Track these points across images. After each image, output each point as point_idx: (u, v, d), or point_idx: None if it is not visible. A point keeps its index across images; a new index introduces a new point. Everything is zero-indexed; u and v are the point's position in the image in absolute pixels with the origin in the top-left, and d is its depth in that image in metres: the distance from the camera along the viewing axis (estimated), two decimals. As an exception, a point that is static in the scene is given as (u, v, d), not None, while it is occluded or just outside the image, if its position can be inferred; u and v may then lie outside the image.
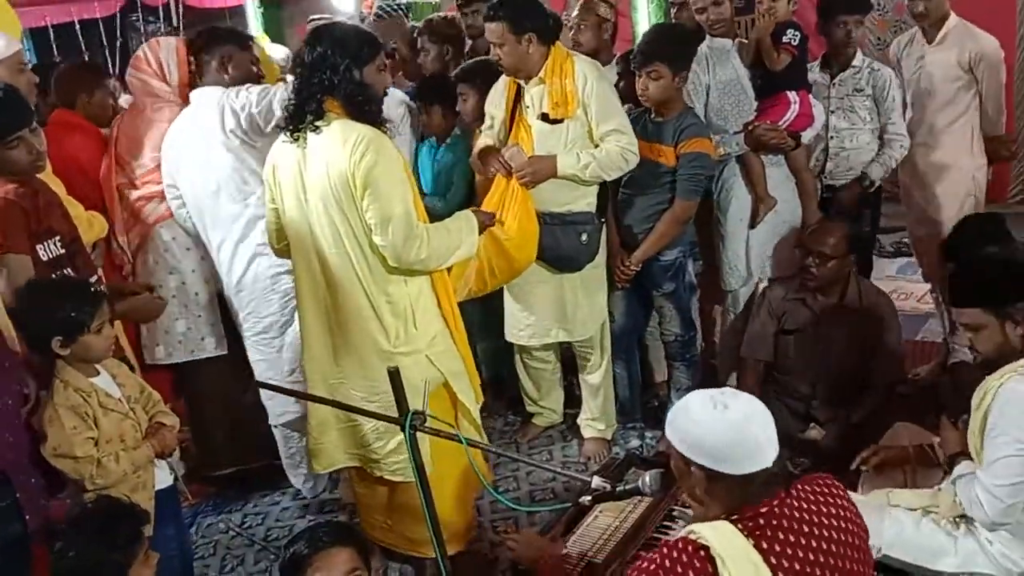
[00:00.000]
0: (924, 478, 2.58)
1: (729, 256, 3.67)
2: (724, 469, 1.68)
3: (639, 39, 3.89)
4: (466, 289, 3.14)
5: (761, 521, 1.68)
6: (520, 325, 3.49)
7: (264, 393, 3.36)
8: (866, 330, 3.24)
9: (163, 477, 2.60)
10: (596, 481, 2.05)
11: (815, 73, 3.77)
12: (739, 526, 1.67)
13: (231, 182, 3.14)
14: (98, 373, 2.50)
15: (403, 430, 2.01)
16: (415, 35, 4.13)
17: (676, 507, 2.42)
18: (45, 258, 2.58)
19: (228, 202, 3.16)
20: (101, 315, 2.43)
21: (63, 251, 2.66)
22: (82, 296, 2.42)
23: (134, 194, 3.33)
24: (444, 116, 3.66)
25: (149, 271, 3.34)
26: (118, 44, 6.42)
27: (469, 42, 4.22)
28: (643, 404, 3.86)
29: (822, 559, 1.68)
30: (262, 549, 3.32)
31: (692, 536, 1.68)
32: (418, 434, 2.08)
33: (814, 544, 1.68)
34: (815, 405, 3.32)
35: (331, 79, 2.50)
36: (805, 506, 1.72)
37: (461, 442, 2.09)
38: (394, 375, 2.00)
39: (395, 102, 3.58)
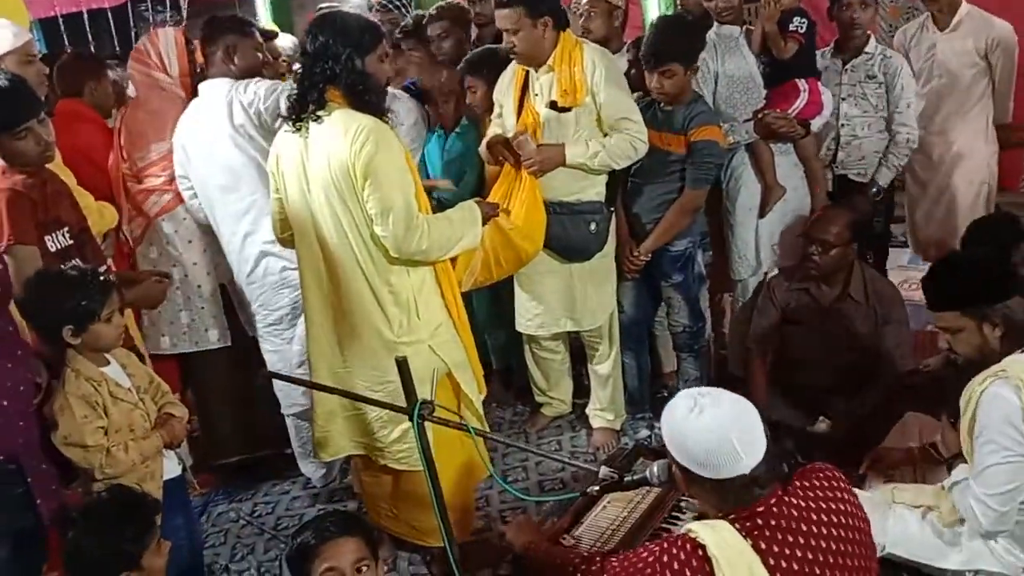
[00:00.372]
0: (931, 475, 2.57)
1: (738, 245, 3.65)
2: (700, 472, 1.70)
3: (648, 30, 3.86)
4: (472, 279, 3.14)
5: (759, 521, 1.68)
6: (529, 315, 3.49)
7: (276, 383, 3.37)
8: (871, 320, 3.22)
9: (171, 467, 2.61)
10: (604, 471, 2.06)
11: (827, 59, 3.74)
12: (737, 526, 1.68)
13: (239, 176, 3.14)
14: (108, 363, 2.51)
15: (411, 419, 2.01)
16: (425, 23, 4.10)
17: (684, 498, 2.41)
18: (53, 249, 2.60)
19: (236, 196, 3.17)
20: (111, 304, 2.44)
21: (71, 242, 2.67)
22: (92, 285, 2.42)
23: (136, 187, 3.34)
24: (452, 106, 3.65)
25: (152, 263, 3.36)
26: (134, 33, 6.41)
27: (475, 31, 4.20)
28: (652, 394, 3.85)
29: (822, 557, 1.68)
30: (272, 538, 3.34)
31: (691, 534, 1.68)
32: (425, 425, 2.08)
33: (813, 542, 1.68)
34: (823, 397, 3.30)
35: (333, 68, 2.49)
36: (804, 503, 1.72)
37: (469, 432, 2.10)
38: (402, 365, 2.00)
39: (404, 108, 3.57)
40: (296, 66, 3.09)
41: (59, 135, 2.85)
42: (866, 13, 3.60)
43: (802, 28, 3.39)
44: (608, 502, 2.49)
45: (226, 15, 3.41)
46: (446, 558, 2.11)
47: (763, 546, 1.64)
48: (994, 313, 2.19)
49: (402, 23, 4.30)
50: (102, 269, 2.75)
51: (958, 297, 2.25)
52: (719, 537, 1.66)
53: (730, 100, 3.46)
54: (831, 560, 1.68)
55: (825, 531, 1.70)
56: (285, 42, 4.54)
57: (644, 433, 3.72)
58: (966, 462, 2.27)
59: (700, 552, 1.65)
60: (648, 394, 3.84)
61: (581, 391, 3.88)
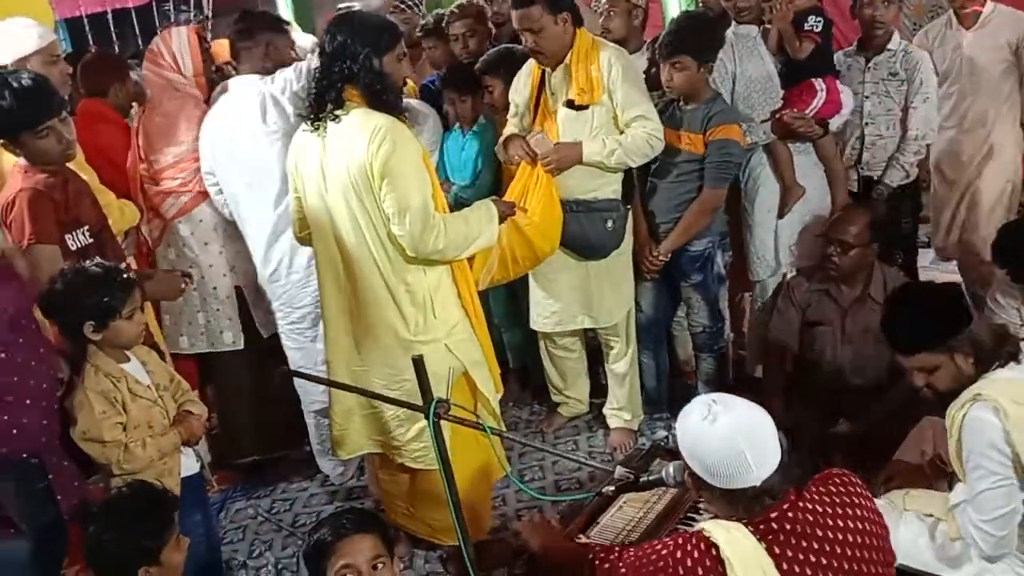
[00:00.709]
0: (942, 483, 2.54)
1: (757, 246, 3.63)
2: (711, 481, 1.70)
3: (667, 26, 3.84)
4: (489, 277, 3.14)
5: (774, 525, 1.67)
6: (545, 312, 3.49)
7: (297, 381, 3.39)
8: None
9: (189, 464, 2.63)
10: (619, 471, 2.06)
11: (850, 58, 3.70)
12: (751, 528, 1.67)
13: (269, 175, 3.13)
14: (128, 359, 2.53)
15: (427, 418, 2.02)
16: (445, 23, 4.10)
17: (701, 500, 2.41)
18: (74, 247, 2.63)
19: (264, 194, 3.16)
20: (133, 301, 2.47)
21: (91, 240, 2.70)
22: (114, 282, 2.45)
23: (153, 188, 3.35)
24: (470, 104, 3.65)
25: (170, 265, 3.38)
26: (158, 32, 6.48)
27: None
28: (670, 394, 3.84)
29: (836, 563, 1.67)
30: (290, 535, 3.36)
31: (705, 533, 1.68)
32: (441, 423, 2.09)
33: (828, 548, 1.67)
34: (842, 398, 3.27)
35: (351, 68, 2.50)
36: (820, 508, 1.71)
37: (485, 431, 2.10)
38: (418, 363, 2.01)
39: (421, 117, 3.59)
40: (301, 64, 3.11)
41: (81, 134, 2.89)
42: (889, 11, 3.55)
43: (818, 27, 3.35)
44: (624, 502, 2.48)
45: (262, 11, 3.42)
46: (461, 557, 2.11)
47: (777, 551, 1.64)
48: (961, 342, 2.18)
49: (422, 22, 4.31)
50: (122, 267, 2.78)
51: (924, 337, 2.23)
52: (732, 538, 1.65)
53: (748, 100, 3.44)
54: (846, 567, 1.67)
55: (841, 537, 1.69)
56: (305, 42, 4.56)
57: (661, 433, 3.71)
58: (959, 486, 2.25)
59: (714, 552, 1.65)
60: (666, 394, 3.82)
61: (599, 391, 3.87)
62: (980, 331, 2.20)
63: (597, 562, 1.89)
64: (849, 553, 1.68)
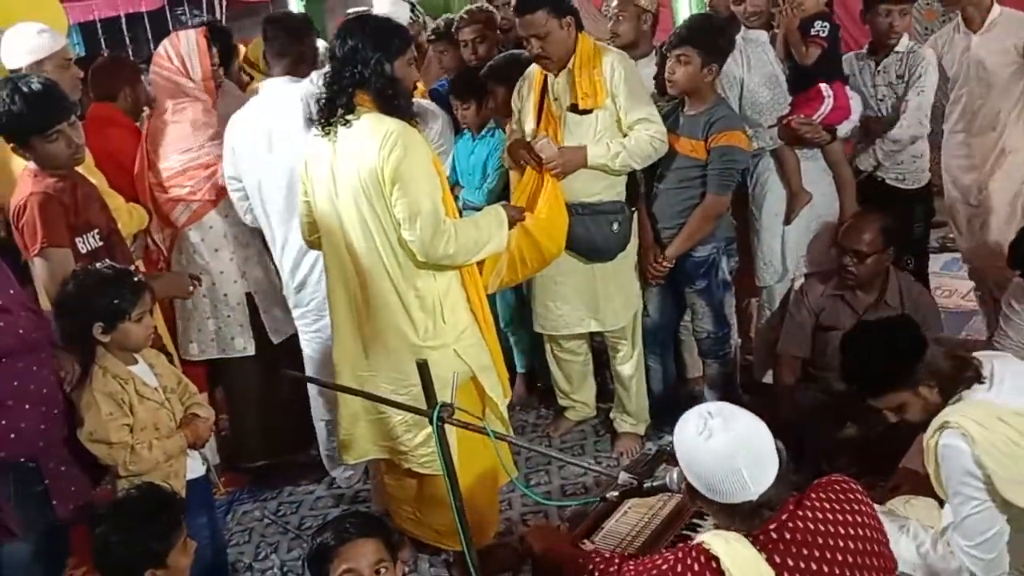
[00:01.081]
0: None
1: (764, 252, 3.61)
2: (708, 496, 1.70)
3: (678, 27, 3.84)
4: (498, 280, 3.15)
5: (773, 535, 1.67)
6: (551, 315, 3.48)
7: (312, 389, 3.38)
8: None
9: (195, 467, 2.65)
10: (623, 476, 2.05)
11: (861, 61, 3.69)
12: (750, 539, 1.67)
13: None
14: (136, 362, 2.55)
15: (431, 422, 2.02)
16: (454, 29, 4.12)
17: (705, 506, 2.40)
18: (84, 251, 2.65)
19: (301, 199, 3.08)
20: (142, 304, 2.49)
21: (101, 244, 2.73)
22: (125, 284, 2.48)
23: (162, 197, 3.35)
24: (478, 110, 3.66)
25: (182, 271, 3.35)
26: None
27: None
28: (678, 400, 3.82)
29: (837, 572, 1.66)
30: (296, 537, 3.37)
31: (704, 545, 1.67)
32: (446, 427, 2.09)
33: (829, 555, 1.66)
34: (851, 402, 3.25)
35: (362, 73, 2.50)
36: (820, 516, 1.70)
37: (488, 435, 2.10)
38: (423, 367, 2.01)
39: (431, 116, 3.58)
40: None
41: (91, 138, 2.91)
42: (903, 20, 3.54)
43: (824, 32, 3.33)
44: (629, 508, 2.48)
45: (292, 13, 3.37)
46: (465, 561, 2.11)
47: (777, 560, 1.63)
48: (922, 374, 2.18)
49: (432, 25, 4.32)
50: (132, 270, 2.80)
51: (885, 377, 2.23)
52: (732, 550, 1.65)
53: (755, 105, 3.43)
54: (848, 574, 1.66)
55: (842, 544, 1.68)
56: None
57: (668, 439, 3.68)
58: (948, 507, 2.24)
59: (714, 564, 1.65)
60: (674, 399, 3.81)
61: (606, 396, 3.86)
62: (937, 360, 2.20)
63: (597, 574, 1.89)
64: (850, 560, 1.68)
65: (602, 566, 1.93)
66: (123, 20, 6.38)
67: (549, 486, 3.50)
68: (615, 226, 3.26)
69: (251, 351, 3.48)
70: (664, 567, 1.70)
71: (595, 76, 3.12)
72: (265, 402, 3.57)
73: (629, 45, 3.57)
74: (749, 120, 3.41)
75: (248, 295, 3.45)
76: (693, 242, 3.33)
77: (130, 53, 6.13)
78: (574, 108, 3.17)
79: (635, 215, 3.40)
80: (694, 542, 1.73)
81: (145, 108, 3.63)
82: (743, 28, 3.49)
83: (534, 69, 3.27)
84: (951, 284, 4.87)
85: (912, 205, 3.74)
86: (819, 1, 3.43)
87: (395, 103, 2.54)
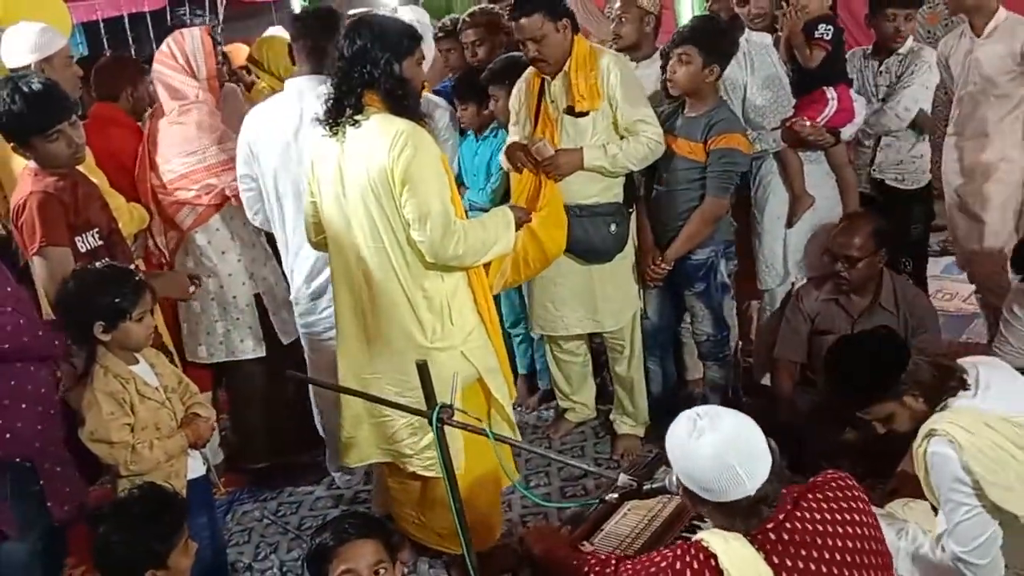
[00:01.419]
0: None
1: (766, 255, 3.61)
2: (704, 496, 1.71)
3: (680, 28, 3.84)
4: (503, 280, 3.15)
5: (772, 535, 1.67)
6: (549, 316, 3.48)
7: (319, 398, 3.34)
8: (902, 329, 3.16)
9: (196, 467, 2.65)
10: (622, 478, 2.05)
11: (865, 59, 3.69)
12: (749, 538, 1.67)
13: None
14: (137, 361, 2.56)
15: (431, 423, 2.02)
16: (457, 30, 4.12)
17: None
18: (83, 250, 2.65)
19: None
20: (143, 304, 2.49)
21: (101, 243, 2.73)
22: (126, 284, 2.48)
23: (167, 200, 3.32)
24: (477, 111, 3.67)
25: (180, 272, 3.32)
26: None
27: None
28: (678, 402, 3.82)
29: (836, 571, 1.66)
30: (295, 538, 3.36)
31: (703, 543, 1.67)
32: (452, 430, 2.09)
33: (827, 555, 1.67)
34: (850, 406, 3.25)
35: (371, 73, 2.48)
36: (818, 516, 1.70)
37: (489, 437, 2.10)
38: (423, 368, 2.01)
39: (438, 111, 3.57)
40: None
41: (92, 138, 2.91)
42: (909, 24, 3.56)
43: (828, 35, 3.32)
44: (628, 510, 2.47)
45: (327, 9, 3.20)
46: (465, 563, 2.11)
47: (775, 560, 1.64)
48: (905, 384, 2.20)
49: (438, 24, 4.33)
50: (133, 269, 2.80)
51: (869, 389, 2.26)
52: (731, 548, 1.65)
53: (759, 108, 3.42)
54: (846, 573, 1.66)
55: (839, 543, 1.69)
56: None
57: (669, 441, 3.69)
58: (941, 515, 2.24)
59: (712, 563, 1.65)
60: (674, 401, 3.81)
61: (606, 397, 3.87)
62: (921, 370, 2.22)
63: (593, 574, 1.89)
64: (848, 559, 1.68)
65: (598, 568, 1.93)
66: (126, 20, 6.38)
67: (549, 487, 3.50)
68: (613, 228, 3.27)
69: (261, 352, 3.46)
70: (663, 564, 1.70)
71: (591, 78, 3.12)
72: (270, 403, 3.56)
73: (631, 47, 3.58)
74: (752, 123, 3.41)
75: (256, 296, 3.43)
76: (692, 244, 3.33)
77: (133, 53, 6.13)
78: (571, 110, 3.17)
79: (632, 216, 3.40)
80: (693, 540, 1.73)
81: (149, 109, 3.63)
82: (747, 30, 3.48)
83: (531, 72, 3.28)
84: (952, 287, 4.87)
85: (910, 206, 3.75)
86: (823, 4, 3.43)
87: (404, 103, 2.53)
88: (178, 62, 3.27)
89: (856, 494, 1.79)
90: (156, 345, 2.77)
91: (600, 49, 3.25)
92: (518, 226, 2.85)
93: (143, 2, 6.39)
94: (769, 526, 1.67)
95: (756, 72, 3.42)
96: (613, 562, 1.91)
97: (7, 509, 2.37)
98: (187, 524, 2.18)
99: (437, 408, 2.02)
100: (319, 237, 2.78)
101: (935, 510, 2.28)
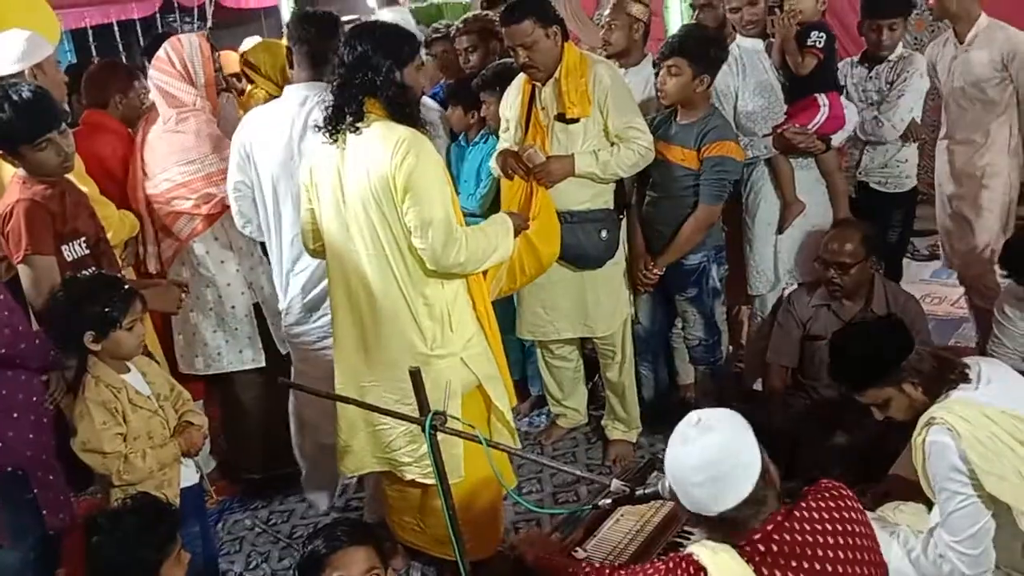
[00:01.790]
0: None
1: (757, 260, 3.62)
2: (685, 504, 1.72)
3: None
4: (498, 288, 3.15)
5: (761, 547, 1.66)
6: (540, 321, 3.48)
7: (303, 415, 3.30)
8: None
9: (189, 475, 2.64)
10: (615, 484, 2.04)
11: (855, 67, 3.72)
12: (738, 550, 1.67)
13: None
14: (129, 370, 2.55)
15: (424, 430, 2.01)
16: (452, 35, 4.13)
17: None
18: (70, 258, 2.63)
19: None
20: (133, 312, 2.48)
21: (88, 252, 2.70)
22: (115, 293, 2.47)
23: (163, 209, 3.27)
24: (463, 114, 3.67)
25: (170, 285, 3.23)
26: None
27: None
28: (670, 407, 3.83)
29: None
30: (287, 546, 3.35)
31: (694, 557, 1.68)
32: (452, 437, 2.08)
33: (818, 567, 1.66)
34: (842, 410, 3.26)
35: (373, 80, 2.47)
36: (808, 527, 1.69)
37: (482, 443, 2.09)
38: (415, 376, 2.00)
39: (431, 114, 3.58)
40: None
41: (82, 145, 2.88)
42: (894, 34, 3.59)
43: (820, 43, 3.35)
44: (621, 515, 2.48)
45: (327, 12, 3.06)
46: (457, 570, 2.10)
47: (765, 572, 1.63)
48: (906, 372, 2.23)
49: (427, 29, 4.34)
50: (122, 277, 2.79)
51: (869, 372, 2.28)
52: (720, 561, 1.65)
53: (750, 114, 3.44)
54: None
55: (832, 554, 1.68)
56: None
57: (661, 446, 3.69)
58: (936, 509, 2.26)
59: (702, 575, 1.64)
60: (665, 406, 3.82)
61: (598, 403, 3.87)
62: (923, 360, 2.25)
63: None
64: (842, 570, 1.67)
65: None
66: (115, 27, 6.36)
67: (541, 494, 3.50)
68: (603, 234, 3.28)
69: (261, 362, 3.42)
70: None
71: (582, 85, 3.13)
72: (268, 414, 3.51)
73: (621, 53, 3.60)
74: (744, 129, 3.43)
75: (255, 306, 3.39)
76: (684, 251, 3.34)
77: (123, 60, 6.11)
78: (561, 117, 3.18)
79: (623, 222, 3.41)
80: (684, 552, 1.73)
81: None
82: (738, 37, 3.51)
83: (522, 78, 3.28)
84: (941, 291, 4.90)
85: (890, 210, 3.78)
86: (816, 10, 3.45)
87: (406, 110, 2.52)
88: (176, 69, 3.21)
89: (851, 504, 1.78)
90: (144, 354, 2.75)
91: (590, 56, 3.26)
92: (516, 233, 2.85)
93: (132, 9, 6.37)
94: (758, 537, 1.66)
95: (748, 78, 3.44)
96: (607, 572, 1.91)
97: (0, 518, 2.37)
98: (180, 534, 2.17)
99: (430, 415, 2.01)
100: (316, 244, 2.76)
101: (930, 506, 2.29)
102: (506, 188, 3.29)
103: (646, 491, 2.01)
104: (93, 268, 2.61)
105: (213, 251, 3.32)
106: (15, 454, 2.34)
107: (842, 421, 3.25)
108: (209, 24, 6.77)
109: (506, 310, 3.88)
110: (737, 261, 3.68)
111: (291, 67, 3.05)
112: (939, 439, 2.12)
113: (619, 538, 2.40)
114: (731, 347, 4.01)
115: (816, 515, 1.72)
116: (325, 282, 2.95)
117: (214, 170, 3.23)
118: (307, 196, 2.70)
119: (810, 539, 1.68)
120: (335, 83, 2.54)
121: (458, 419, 2.14)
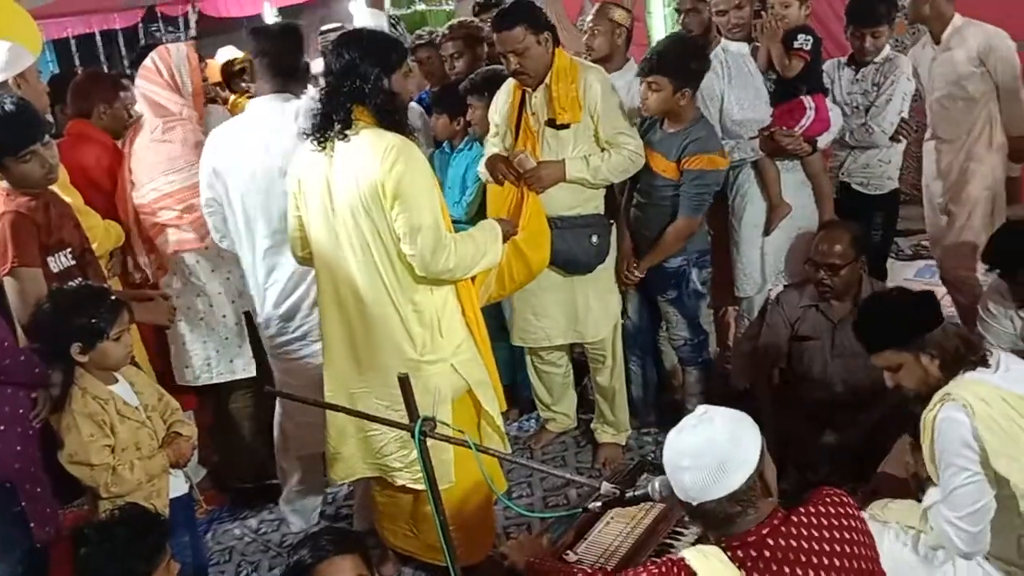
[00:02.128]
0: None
1: (743, 262, 3.64)
2: (677, 493, 1.72)
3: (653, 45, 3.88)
4: (487, 295, 3.14)
5: (753, 552, 1.65)
6: (531, 327, 3.49)
7: (300, 423, 3.24)
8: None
9: (178, 485, 2.63)
10: (605, 487, 2.05)
11: (841, 69, 3.75)
12: (729, 554, 1.67)
13: None
14: (116, 381, 2.53)
15: (413, 437, 2.02)
16: (438, 42, 4.14)
17: (687, 513, 2.41)
18: (56, 270, 2.62)
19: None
20: (120, 323, 2.47)
21: (73, 262, 2.69)
22: (102, 303, 2.45)
23: (149, 220, 3.25)
24: (449, 121, 3.68)
25: (176, 295, 3.28)
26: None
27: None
28: (658, 408, 3.85)
29: None
30: (277, 555, 3.34)
31: (685, 562, 1.68)
32: (442, 443, 2.08)
33: (811, 573, 1.64)
34: (831, 410, 3.28)
35: (361, 87, 2.47)
36: (806, 532, 1.68)
37: (471, 448, 2.10)
38: (404, 382, 2.00)
39: (414, 115, 3.59)
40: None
41: (66, 155, 2.87)
42: (878, 40, 3.61)
43: (807, 45, 3.37)
44: (612, 518, 2.48)
45: (290, 24, 3.06)
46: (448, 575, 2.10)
47: None
48: (927, 343, 2.23)
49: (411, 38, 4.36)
50: (109, 288, 2.77)
51: (890, 335, 2.29)
52: (711, 566, 1.65)
53: (736, 118, 3.46)
54: None
55: (827, 562, 1.66)
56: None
57: (650, 448, 3.71)
58: (931, 489, 2.27)
59: None
60: (655, 407, 3.84)
61: (587, 407, 3.88)
62: (950, 337, 2.25)
63: None
64: None
65: None
66: (98, 37, 6.35)
67: (531, 498, 3.50)
68: (594, 239, 3.28)
69: (252, 372, 3.40)
70: None
71: (572, 91, 3.13)
72: (259, 423, 3.50)
73: (603, 59, 3.62)
74: (730, 132, 3.45)
75: (246, 314, 3.36)
76: (663, 257, 3.39)
77: (106, 70, 6.10)
78: (552, 123, 3.19)
79: (614, 227, 3.42)
80: (675, 557, 1.74)
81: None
82: (724, 40, 3.52)
83: (511, 83, 3.29)
84: (925, 291, 4.92)
85: (872, 212, 3.80)
86: (801, 14, 3.48)
87: (394, 117, 2.53)
88: (163, 78, 3.20)
89: (850, 510, 1.76)
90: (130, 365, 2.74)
91: (581, 62, 3.27)
92: (505, 239, 2.86)
93: (115, 19, 6.35)
94: (751, 540, 1.66)
95: (734, 81, 3.46)
96: (599, 575, 1.92)
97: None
98: (170, 544, 2.16)
99: (419, 421, 2.01)
100: (304, 252, 2.76)
101: (926, 484, 2.30)
102: (495, 194, 3.30)
103: (636, 493, 2.02)
104: (79, 279, 2.60)
105: (203, 261, 3.31)
106: (2, 466, 2.32)
107: (831, 421, 3.27)
108: (192, 34, 6.75)
109: (495, 316, 3.90)
110: (724, 263, 3.70)
111: (252, 80, 3.02)
112: (953, 415, 2.12)
113: (610, 540, 2.41)
114: (719, 348, 4.03)
115: (815, 521, 1.71)
116: (298, 292, 3.00)
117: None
118: (295, 204, 2.70)
119: (806, 546, 1.67)
120: (323, 91, 2.54)
121: (448, 425, 2.15)
